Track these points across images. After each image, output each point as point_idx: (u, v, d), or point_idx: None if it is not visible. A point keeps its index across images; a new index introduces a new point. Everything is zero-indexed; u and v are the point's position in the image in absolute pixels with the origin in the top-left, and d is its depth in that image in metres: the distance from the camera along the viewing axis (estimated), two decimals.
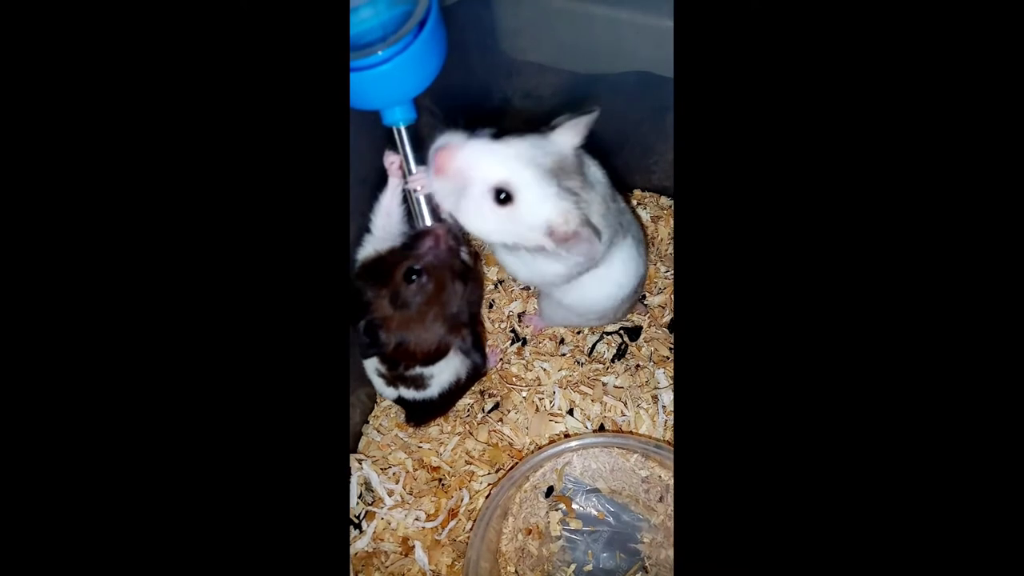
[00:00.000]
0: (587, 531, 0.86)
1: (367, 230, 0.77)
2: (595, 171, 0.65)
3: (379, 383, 0.83)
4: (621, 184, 1.05)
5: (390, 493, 0.87)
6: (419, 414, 0.88)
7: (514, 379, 0.93)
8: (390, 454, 0.90)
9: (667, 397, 0.90)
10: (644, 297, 0.98)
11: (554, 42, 0.78)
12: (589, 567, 0.84)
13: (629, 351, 0.94)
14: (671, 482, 0.86)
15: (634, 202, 1.05)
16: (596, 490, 0.88)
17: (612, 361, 0.94)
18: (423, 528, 0.85)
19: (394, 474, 0.89)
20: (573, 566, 0.84)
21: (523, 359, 0.95)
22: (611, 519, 0.86)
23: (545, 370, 0.93)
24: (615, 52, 0.77)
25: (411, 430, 0.91)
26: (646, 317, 0.96)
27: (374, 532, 0.85)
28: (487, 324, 0.98)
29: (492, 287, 1.01)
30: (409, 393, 0.81)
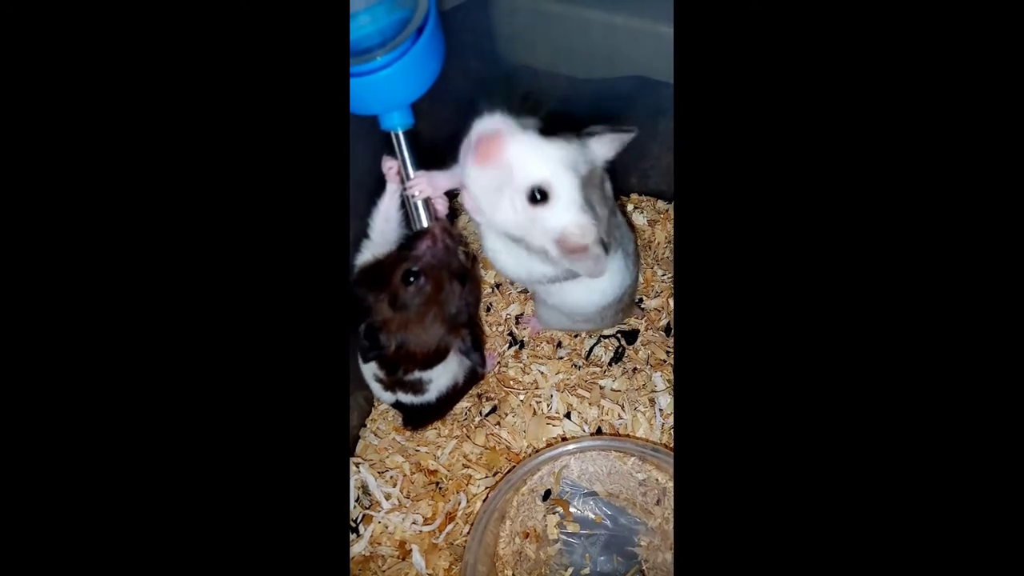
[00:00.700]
0: (584, 534, 0.86)
1: (365, 235, 0.77)
2: (609, 187, 0.65)
3: (377, 388, 0.83)
4: (618, 188, 1.06)
5: (387, 497, 0.87)
6: (417, 418, 0.88)
7: (511, 382, 0.93)
8: (387, 458, 0.90)
9: (664, 400, 0.90)
10: (641, 301, 0.98)
11: (551, 47, 0.78)
12: (586, 570, 0.84)
13: (626, 354, 0.94)
14: (668, 485, 0.86)
15: (630, 206, 1.06)
16: (593, 493, 0.88)
17: (609, 364, 0.94)
18: (420, 532, 0.85)
19: (391, 478, 0.89)
20: (570, 569, 0.84)
21: (520, 362, 0.95)
22: (608, 522, 0.86)
23: (542, 373, 0.93)
24: (611, 57, 0.77)
25: (408, 434, 0.91)
26: (643, 321, 0.97)
27: (371, 536, 0.85)
28: (485, 328, 0.98)
29: (489, 290, 1.01)
30: (407, 398, 0.81)
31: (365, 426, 0.94)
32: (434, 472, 0.89)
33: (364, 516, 0.86)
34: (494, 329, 0.98)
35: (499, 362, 0.95)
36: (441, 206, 0.72)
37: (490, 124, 0.56)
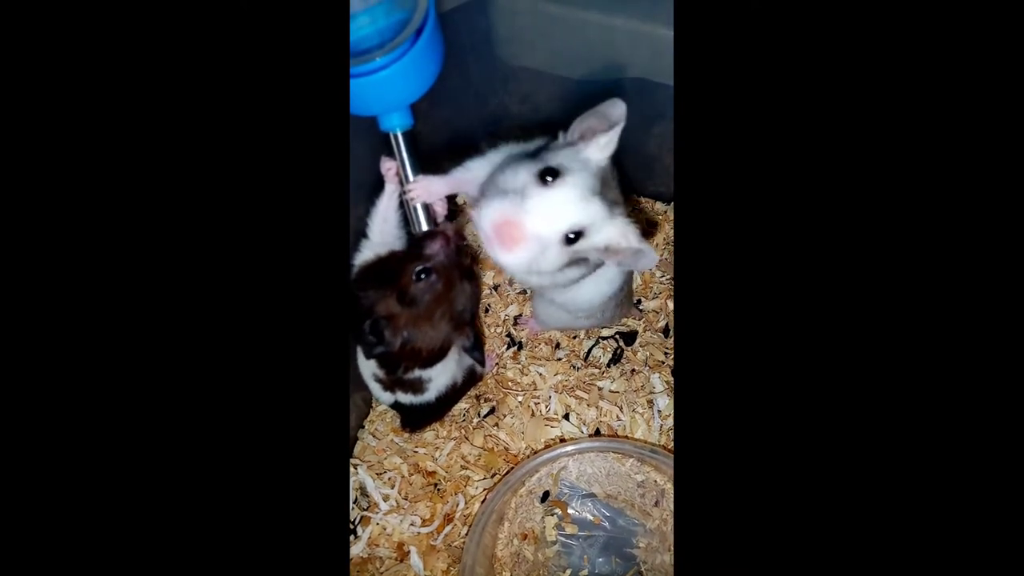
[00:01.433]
0: (583, 536, 0.86)
1: (364, 235, 0.77)
2: (615, 173, 0.64)
3: (376, 388, 0.83)
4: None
5: (385, 498, 0.87)
6: (415, 419, 0.88)
7: (510, 383, 0.93)
8: (385, 459, 0.90)
9: (662, 401, 0.90)
10: (640, 302, 0.98)
11: (550, 48, 0.78)
12: (585, 572, 0.84)
13: (625, 356, 0.94)
14: (667, 486, 0.86)
15: (629, 208, 1.06)
16: (592, 495, 0.88)
17: (608, 366, 0.94)
18: (418, 533, 0.85)
19: (389, 479, 0.89)
20: (569, 571, 0.84)
21: (519, 363, 0.95)
22: (607, 524, 0.86)
23: (541, 374, 0.93)
24: (610, 58, 0.77)
25: (407, 435, 0.91)
26: (641, 322, 0.97)
27: (369, 537, 0.85)
28: (483, 329, 0.98)
29: (488, 292, 1.01)
30: (406, 398, 0.81)
31: (363, 427, 0.94)
32: (432, 473, 0.89)
33: (362, 518, 0.86)
34: (492, 330, 0.98)
35: (497, 363, 0.95)
36: (440, 208, 0.72)
37: (495, 208, 0.54)
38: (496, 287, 1.02)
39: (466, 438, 0.90)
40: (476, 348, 0.74)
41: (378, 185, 0.76)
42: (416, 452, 0.90)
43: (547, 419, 0.90)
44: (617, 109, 0.57)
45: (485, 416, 0.91)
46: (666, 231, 1.03)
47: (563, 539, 0.86)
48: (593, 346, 0.95)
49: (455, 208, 0.93)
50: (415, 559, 0.83)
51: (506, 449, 0.89)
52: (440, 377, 0.80)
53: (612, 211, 0.57)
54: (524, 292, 1.00)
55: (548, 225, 0.54)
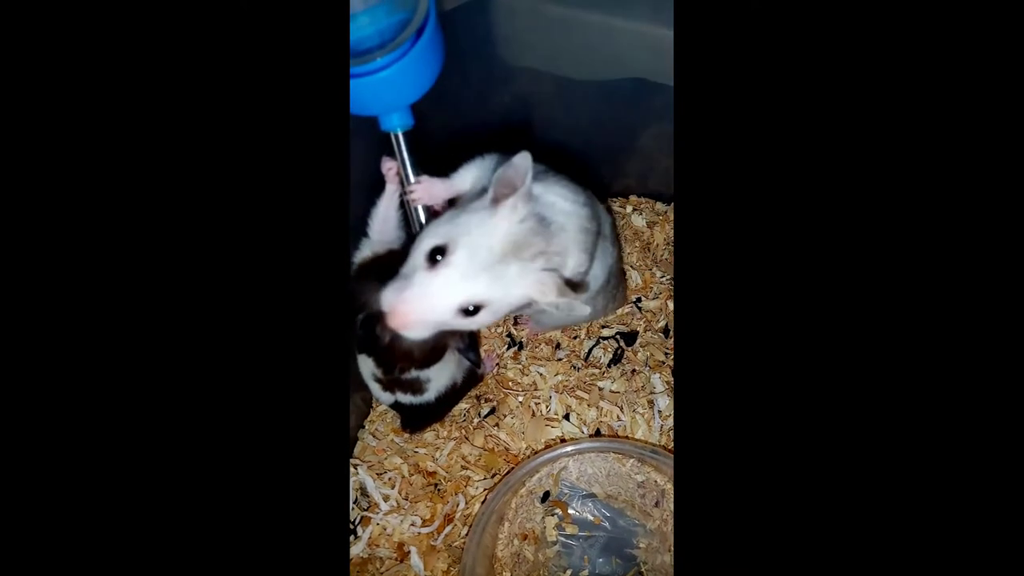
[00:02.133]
0: (583, 536, 0.86)
1: (364, 234, 0.77)
2: (561, 207, 0.60)
3: (375, 388, 0.83)
4: (617, 191, 1.06)
5: (385, 498, 0.87)
6: (415, 420, 0.88)
7: (510, 384, 0.93)
8: (386, 459, 0.90)
9: (663, 402, 0.90)
10: (640, 301, 0.98)
11: (550, 49, 0.78)
12: (585, 572, 0.84)
13: (625, 356, 0.94)
14: (667, 487, 0.86)
15: (629, 207, 1.06)
16: (592, 495, 0.88)
17: (608, 366, 0.94)
18: (419, 534, 0.85)
19: (389, 479, 0.89)
20: (569, 571, 0.84)
21: (519, 364, 0.95)
22: (607, 524, 0.86)
23: (541, 375, 0.93)
24: (610, 59, 0.77)
25: (407, 435, 0.91)
26: (642, 322, 0.97)
27: (369, 538, 0.85)
28: (483, 329, 0.98)
29: None
30: (406, 398, 0.81)
31: (363, 427, 0.94)
32: (433, 474, 0.89)
33: (362, 518, 0.86)
34: (492, 331, 0.98)
35: (498, 363, 0.95)
36: (440, 209, 0.72)
37: (389, 297, 0.56)
38: None
39: (466, 438, 0.90)
40: (471, 349, 0.74)
41: (378, 185, 0.76)
42: (416, 452, 0.90)
43: (547, 419, 0.90)
44: (519, 170, 0.54)
45: (485, 416, 0.91)
46: (666, 231, 1.03)
47: (563, 539, 0.86)
48: (594, 346, 0.96)
49: None
50: (415, 559, 0.83)
51: (506, 449, 0.89)
52: (439, 378, 0.80)
53: (525, 270, 0.55)
54: None
55: (431, 309, 0.55)
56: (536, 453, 0.86)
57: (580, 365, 0.94)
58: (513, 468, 0.85)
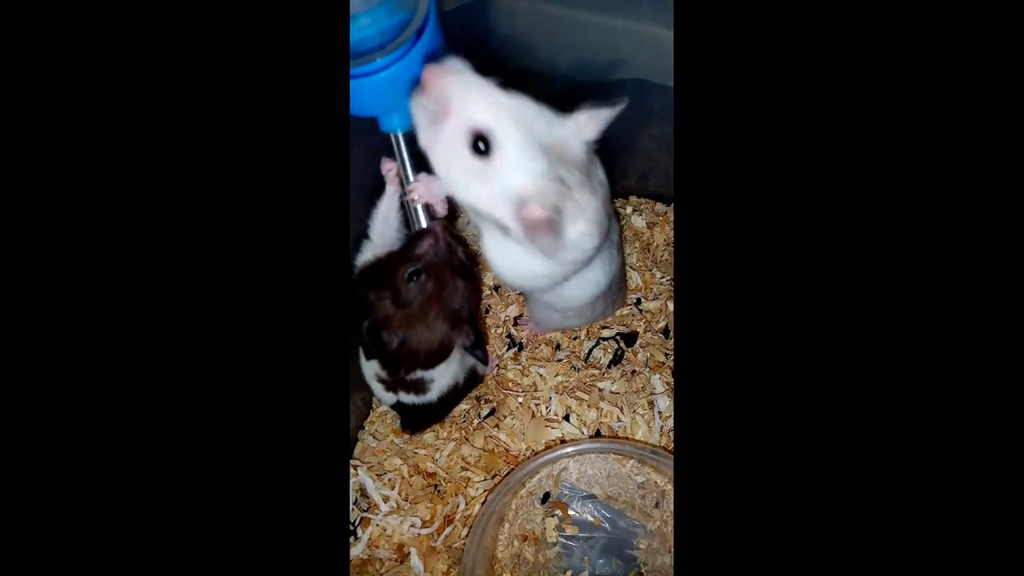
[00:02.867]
0: (583, 537, 0.85)
1: (365, 236, 0.77)
2: (601, 175, 0.61)
3: (378, 388, 0.83)
4: (617, 191, 1.06)
5: (385, 499, 0.87)
6: (416, 420, 0.88)
7: (510, 384, 0.93)
8: (386, 460, 0.90)
9: (663, 403, 0.90)
10: (639, 302, 0.98)
11: (550, 49, 0.79)
12: (585, 573, 0.83)
13: (625, 357, 0.94)
14: (667, 488, 0.86)
15: (629, 208, 1.06)
16: (592, 496, 0.88)
17: (608, 367, 0.94)
18: (419, 535, 0.85)
19: (389, 480, 0.89)
20: (569, 572, 0.84)
21: (519, 364, 0.95)
22: (607, 525, 0.86)
23: (541, 376, 0.93)
24: (610, 59, 0.77)
25: (407, 436, 0.91)
26: (642, 323, 0.97)
27: (369, 539, 0.85)
28: (485, 329, 0.98)
29: (488, 292, 1.01)
30: (408, 398, 0.81)
31: (363, 428, 0.94)
32: (432, 475, 0.89)
33: (362, 519, 0.86)
34: (493, 331, 0.98)
35: (498, 364, 0.95)
36: (440, 209, 0.72)
37: (442, 62, 0.51)
38: (496, 288, 1.02)
39: (466, 439, 0.90)
40: (478, 347, 0.74)
41: (379, 186, 0.76)
42: (416, 453, 0.90)
43: (547, 420, 0.90)
44: (614, 103, 0.55)
45: (485, 417, 0.91)
46: (666, 232, 1.03)
47: (563, 540, 0.85)
48: (594, 347, 0.95)
49: (456, 209, 0.93)
50: (415, 560, 0.83)
51: (506, 450, 0.89)
52: (442, 377, 0.80)
53: (548, 172, 0.51)
54: (523, 294, 1.00)
55: (460, 99, 0.50)
56: (536, 454, 0.86)
57: (580, 366, 0.94)
58: (513, 469, 0.85)
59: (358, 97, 0.61)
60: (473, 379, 0.89)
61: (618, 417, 0.90)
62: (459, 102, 0.50)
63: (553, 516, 0.86)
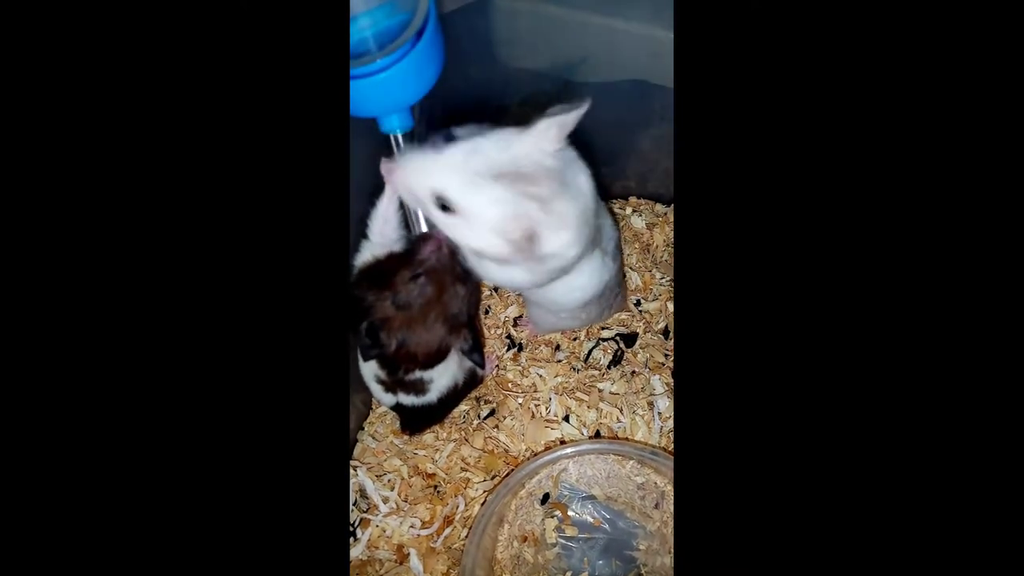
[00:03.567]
0: (583, 538, 0.85)
1: (364, 236, 0.77)
2: (583, 181, 0.61)
3: (377, 389, 0.83)
4: (616, 192, 1.06)
5: (385, 500, 0.87)
6: (416, 421, 0.88)
7: (510, 385, 0.93)
8: (385, 461, 0.90)
9: (663, 403, 0.90)
10: (639, 303, 0.98)
11: (550, 50, 0.79)
12: (585, 574, 0.83)
13: (625, 358, 0.94)
14: (667, 489, 0.86)
15: (629, 209, 1.06)
16: (592, 497, 0.88)
17: (608, 367, 0.94)
18: (418, 536, 0.84)
19: (389, 481, 0.89)
20: (569, 573, 0.84)
21: (519, 365, 0.95)
22: (607, 526, 0.86)
23: (541, 376, 0.93)
24: (610, 60, 0.77)
25: (406, 437, 0.91)
26: (641, 324, 0.97)
27: (369, 540, 0.85)
28: (483, 331, 0.98)
29: (488, 293, 1.01)
30: (408, 399, 0.81)
31: (363, 429, 0.94)
32: (432, 475, 0.88)
33: (361, 520, 0.86)
34: (492, 332, 0.98)
35: (497, 365, 0.95)
36: None
37: (386, 161, 0.60)
38: (496, 289, 1.02)
39: (466, 440, 0.90)
40: (475, 350, 0.74)
41: (378, 187, 0.76)
42: (416, 454, 0.90)
43: (547, 421, 0.90)
44: (572, 106, 0.56)
45: (485, 418, 0.91)
46: (666, 232, 1.03)
47: (563, 541, 0.85)
48: (593, 348, 0.95)
49: None
50: (415, 561, 0.83)
51: (506, 451, 0.89)
52: (442, 378, 0.80)
53: (507, 200, 0.54)
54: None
55: (411, 182, 0.58)
56: (536, 455, 0.86)
57: (580, 367, 0.94)
58: (513, 470, 0.85)
59: (358, 98, 0.61)
60: (473, 380, 0.89)
61: (618, 418, 0.90)
62: (412, 184, 0.58)
63: (553, 517, 0.86)
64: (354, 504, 0.87)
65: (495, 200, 0.55)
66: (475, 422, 0.91)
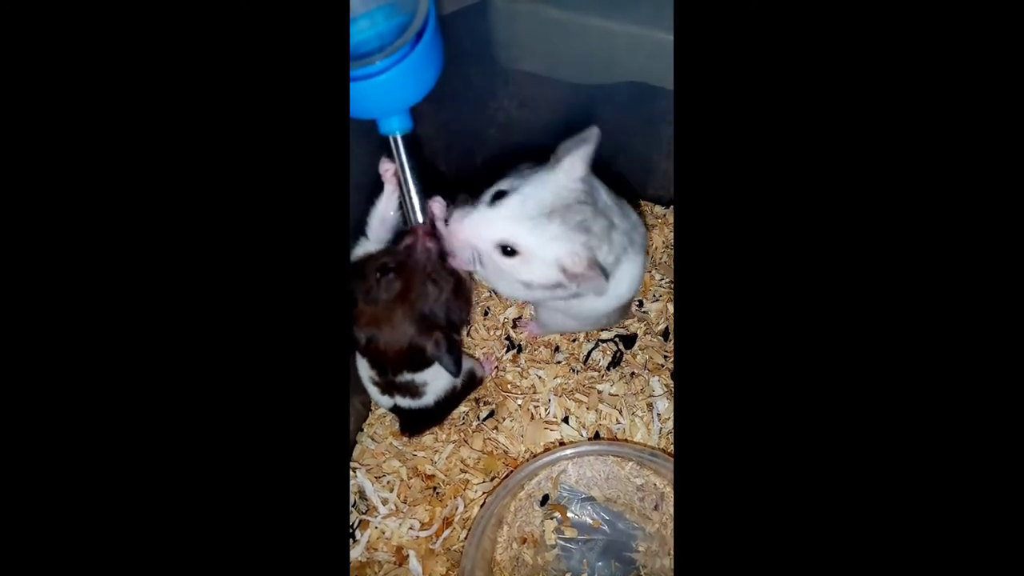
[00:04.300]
0: (582, 540, 0.85)
1: (363, 234, 0.77)
2: (603, 196, 0.68)
3: (373, 391, 0.83)
4: (616, 194, 1.06)
5: (384, 502, 0.87)
6: (414, 423, 0.87)
7: (509, 387, 0.93)
8: (384, 462, 0.90)
9: (662, 405, 0.90)
10: (641, 304, 0.98)
11: (549, 53, 0.79)
12: None
13: (624, 359, 0.94)
14: (666, 490, 0.86)
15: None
16: (591, 498, 0.88)
17: (607, 369, 0.94)
18: (417, 537, 0.84)
19: (388, 483, 0.89)
20: (568, 575, 0.84)
21: (518, 367, 0.95)
22: (606, 527, 0.86)
23: (540, 378, 0.93)
24: (609, 63, 0.77)
25: (406, 439, 0.91)
26: (642, 325, 0.97)
27: (368, 541, 0.85)
28: (482, 332, 0.98)
29: (488, 294, 1.01)
30: (404, 401, 0.81)
31: (362, 431, 0.94)
32: (431, 477, 0.88)
33: (361, 521, 0.86)
34: (492, 333, 0.98)
35: (497, 366, 0.95)
36: (438, 210, 0.72)
37: (451, 218, 0.66)
38: (495, 290, 1.02)
39: (465, 441, 0.90)
40: (449, 353, 0.70)
41: (378, 188, 0.76)
42: (415, 456, 0.90)
43: (546, 422, 0.90)
44: (584, 137, 0.63)
45: (484, 419, 0.91)
46: (665, 234, 1.03)
47: (562, 543, 0.85)
48: (592, 349, 0.95)
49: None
50: (414, 563, 0.83)
51: (505, 452, 0.89)
52: (437, 381, 0.79)
53: (566, 233, 0.62)
54: None
55: (476, 235, 0.64)
56: (535, 456, 0.86)
57: (579, 368, 0.94)
58: (512, 471, 0.85)
59: (358, 99, 0.61)
60: (471, 382, 0.89)
61: (617, 419, 0.90)
62: (479, 236, 0.64)
63: (552, 518, 0.86)
64: (353, 506, 0.87)
65: (554, 236, 0.62)
66: (474, 423, 0.91)
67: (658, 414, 0.89)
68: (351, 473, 0.89)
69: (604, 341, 0.96)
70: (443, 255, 0.69)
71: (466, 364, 0.88)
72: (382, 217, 0.76)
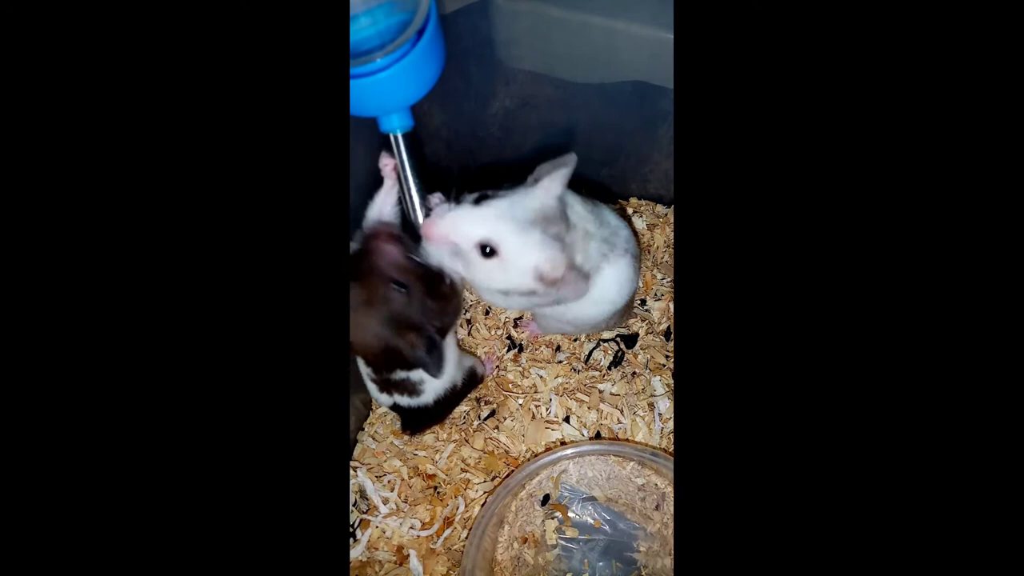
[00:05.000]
0: (583, 539, 0.85)
1: (359, 228, 0.77)
2: (578, 208, 0.70)
3: (373, 389, 0.83)
4: (617, 193, 1.06)
5: (385, 501, 0.87)
6: (415, 422, 0.87)
7: (510, 386, 0.93)
8: (385, 462, 0.90)
9: (663, 405, 0.90)
10: (644, 302, 0.98)
11: (550, 51, 0.79)
12: None
13: (625, 359, 0.94)
14: (667, 490, 0.86)
15: (630, 210, 1.06)
16: (592, 498, 0.87)
17: (608, 368, 0.94)
18: (418, 537, 0.84)
19: (389, 482, 0.88)
20: (569, 575, 0.83)
21: (519, 366, 0.94)
22: (607, 527, 0.86)
23: (541, 377, 0.93)
24: (610, 61, 0.77)
25: (406, 438, 0.91)
26: (643, 324, 0.97)
27: (368, 541, 0.85)
28: (484, 331, 0.98)
29: None
30: (403, 399, 0.81)
31: (363, 430, 0.94)
32: (432, 476, 0.88)
33: (361, 521, 0.86)
34: (492, 332, 0.98)
35: (497, 366, 0.95)
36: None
37: (431, 216, 0.67)
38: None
39: (466, 441, 0.90)
40: (428, 353, 0.69)
41: (377, 185, 0.76)
42: (416, 455, 0.90)
43: (548, 422, 0.89)
44: (560, 161, 0.66)
45: (485, 419, 0.91)
46: (666, 233, 1.03)
47: (563, 543, 0.85)
48: (594, 349, 0.95)
49: None
50: (415, 562, 0.83)
51: (506, 452, 0.89)
52: (434, 379, 0.79)
53: (545, 240, 0.64)
54: None
55: (455, 230, 0.64)
56: (536, 456, 0.86)
57: (580, 367, 0.94)
58: (513, 471, 0.85)
59: (358, 97, 0.61)
60: (472, 381, 0.89)
61: (618, 419, 0.89)
62: (462, 231, 0.64)
63: (553, 518, 0.86)
64: (354, 505, 0.87)
65: (535, 243, 0.64)
66: (475, 423, 0.91)
67: (659, 414, 0.89)
68: (352, 472, 0.89)
69: (605, 341, 0.96)
70: (409, 256, 0.68)
71: (467, 362, 0.88)
72: (380, 212, 0.76)
